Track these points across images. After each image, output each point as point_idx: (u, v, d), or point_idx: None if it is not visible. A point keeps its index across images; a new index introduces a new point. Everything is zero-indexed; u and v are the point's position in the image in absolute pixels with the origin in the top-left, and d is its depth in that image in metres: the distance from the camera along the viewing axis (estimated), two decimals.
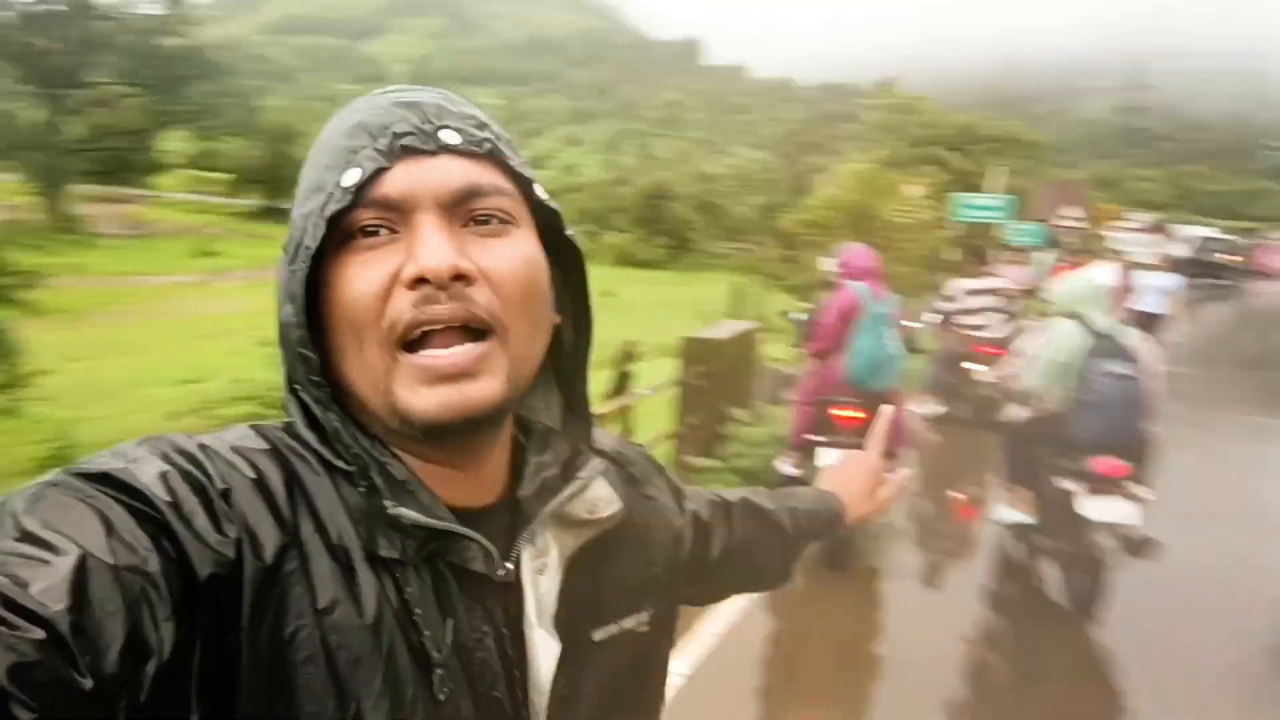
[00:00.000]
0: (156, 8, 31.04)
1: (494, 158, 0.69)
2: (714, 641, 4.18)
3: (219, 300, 17.96)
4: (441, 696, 0.66)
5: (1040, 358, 4.56)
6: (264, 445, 0.68)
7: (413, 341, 0.65)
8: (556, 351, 0.80)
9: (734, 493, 1.15)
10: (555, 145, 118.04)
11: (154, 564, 0.54)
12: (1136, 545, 4.28)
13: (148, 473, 0.60)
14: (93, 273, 20.58)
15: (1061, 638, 4.47)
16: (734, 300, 13.21)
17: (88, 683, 0.48)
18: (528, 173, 0.72)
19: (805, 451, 5.32)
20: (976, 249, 10.35)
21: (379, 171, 0.65)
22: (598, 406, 6.36)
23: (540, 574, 0.75)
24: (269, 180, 35.78)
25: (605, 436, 0.92)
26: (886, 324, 4.97)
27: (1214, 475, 7.73)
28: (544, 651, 0.72)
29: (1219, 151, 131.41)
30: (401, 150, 0.65)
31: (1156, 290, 11.32)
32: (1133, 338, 4.51)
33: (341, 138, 0.68)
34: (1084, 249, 13.60)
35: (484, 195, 0.67)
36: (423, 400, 0.64)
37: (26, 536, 0.52)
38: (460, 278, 0.64)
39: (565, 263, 0.77)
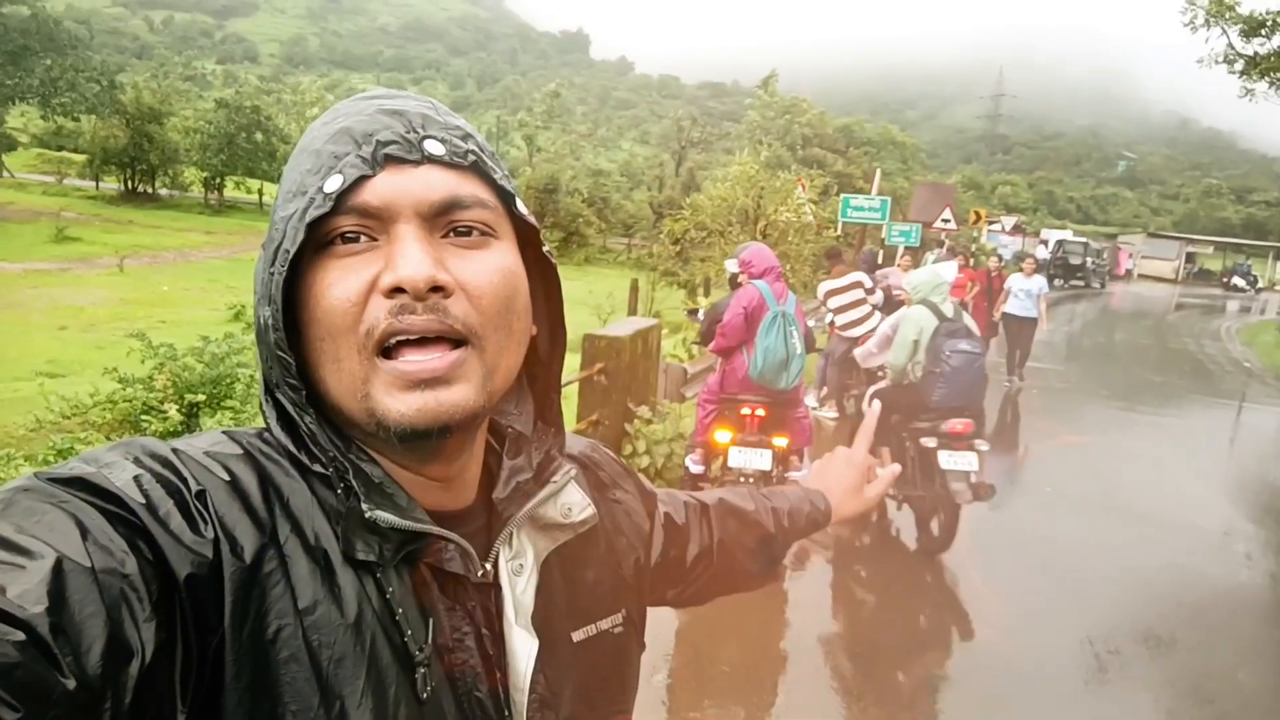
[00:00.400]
0: None
1: (477, 170, 0.70)
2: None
3: (81, 290, 16.83)
4: (424, 696, 0.67)
5: (900, 338, 5.51)
6: (237, 450, 0.68)
7: (389, 348, 0.65)
8: (532, 360, 0.81)
9: (712, 494, 1.17)
10: None
11: (131, 566, 0.54)
12: (979, 489, 5.26)
13: (121, 476, 0.59)
14: None
15: (915, 571, 5.52)
16: (634, 298, 13.25)
17: (70, 683, 0.48)
18: (510, 186, 0.72)
19: (710, 448, 5.41)
20: (832, 250, 10.90)
21: (361, 179, 0.65)
22: None
23: (517, 575, 0.76)
24: (130, 163, 33.73)
25: (576, 440, 0.96)
26: (790, 323, 5.08)
27: (1083, 462, 8.26)
28: (523, 650, 0.73)
29: (1078, 159, 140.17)
30: (385, 159, 0.66)
31: (1025, 293, 11.68)
32: (971, 321, 5.54)
33: (325, 142, 0.68)
34: (962, 250, 14.11)
35: (465, 207, 0.68)
36: (399, 405, 0.65)
37: (1, 543, 0.52)
38: (437, 289, 0.65)
39: (542, 275, 0.79)
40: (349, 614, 0.64)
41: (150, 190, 35.29)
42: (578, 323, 11.09)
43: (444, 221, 0.67)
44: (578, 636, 0.82)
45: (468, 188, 0.69)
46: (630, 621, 0.89)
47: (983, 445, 5.36)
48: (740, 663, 4.16)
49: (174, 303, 16.03)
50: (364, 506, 0.66)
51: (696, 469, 5.57)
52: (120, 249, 21.54)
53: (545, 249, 0.76)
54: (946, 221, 22.39)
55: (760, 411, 5.14)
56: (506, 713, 0.72)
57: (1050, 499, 7.10)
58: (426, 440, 0.66)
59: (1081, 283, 36.25)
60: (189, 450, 0.66)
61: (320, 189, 0.65)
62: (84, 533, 0.54)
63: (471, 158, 0.69)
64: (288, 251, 0.64)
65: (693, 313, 6.86)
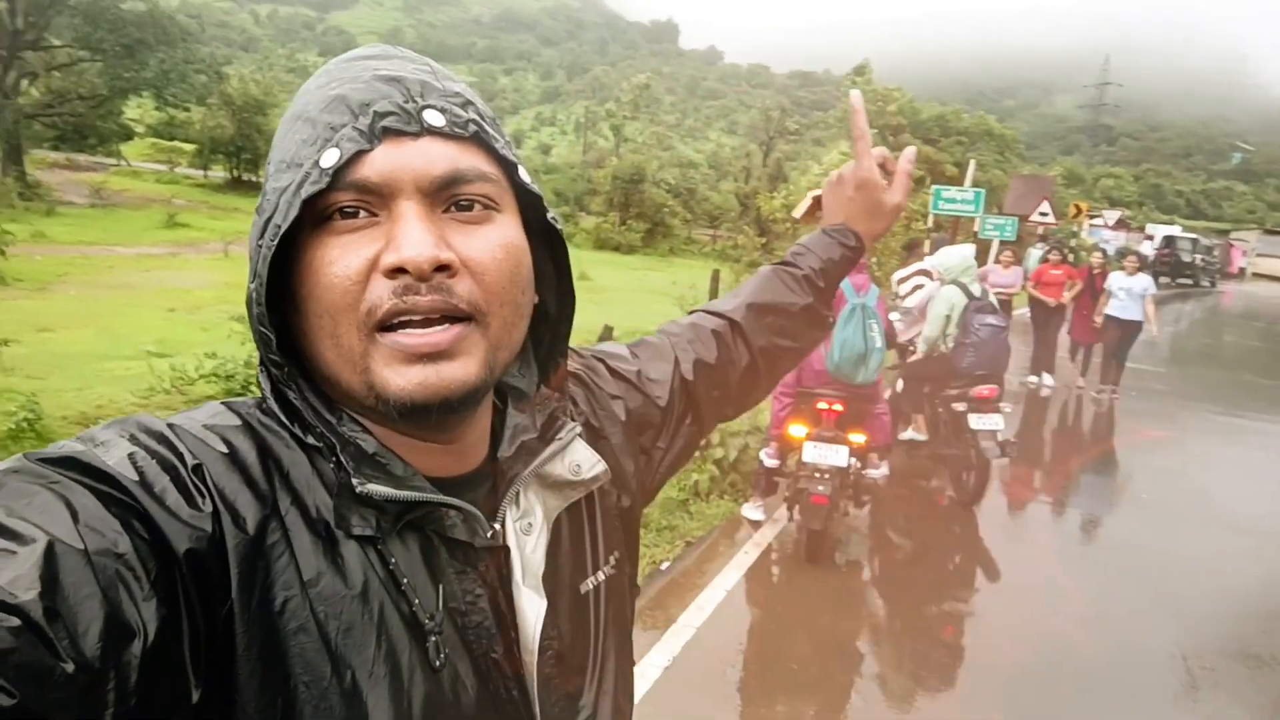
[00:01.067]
0: None
1: (478, 140, 0.68)
2: (691, 633, 4.20)
3: (187, 273, 17.61)
4: (437, 663, 0.66)
5: (933, 314, 6.33)
6: (236, 421, 0.68)
7: (390, 323, 0.64)
8: (538, 324, 0.80)
9: (737, 300, 1.16)
10: (529, 124, 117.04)
11: (125, 545, 0.54)
12: (1005, 446, 6.07)
13: (114, 455, 0.59)
14: (56, 242, 20.08)
15: (948, 524, 6.17)
16: (715, 286, 13.18)
17: (69, 666, 0.48)
18: (511, 155, 0.70)
19: (785, 443, 5.35)
20: (912, 242, 10.55)
21: (360, 153, 0.63)
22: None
23: (526, 534, 0.76)
24: (236, 152, 35.12)
25: (571, 356, 0.93)
26: (869, 316, 4.98)
27: (1184, 473, 7.89)
28: (531, 612, 0.73)
29: (1188, 150, 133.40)
30: (383, 132, 0.64)
31: (1127, 293, 10.53)
32: (995, 300, 6.60)
33: (321, 111, 0.66)
34: (1056, 244, 13.40)
35: (467, 181, 0.66)
36: (400, 379, 0.64)
37: None
38: (442, 268, 0.63)
39: (548, 242, 0.77)
40: (354, 584, 0.64)
41: (255, 179, 36.65)
42: (660, 313, 11.09)
43: (445, 196, 0.66)
44: (584, 588, 0.82)
45: (469, 160, 0.67)
46: (624, 556, 0.89)
47: (1007, 408, 6.21)
48: (810, 659, 4.12)
49: None
50: (355, 481, 0.65)
51: (771, 463, 5.51)
52: (226, 235, 22.42)
53: (550, 215, 0.74)
54: (1044, 215, 21.61)
55: (838, 406, 5.06)
56: (524, 672, 0.73)
57: (1144, 507, 6.81)
58: (427, 415, 0.65)
59: (1190, 281, 34.54)
60: (187, 424, 0.65)
61: (316, 163, 0.63)
62: (75, 514, 0.53)
63: (473, 128, 0.67)
64: (279, 226, 0.63)
65: None
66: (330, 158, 0.63)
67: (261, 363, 0.69)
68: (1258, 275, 44.33)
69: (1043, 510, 6.69)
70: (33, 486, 0.54)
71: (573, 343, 0.87)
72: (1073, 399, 10.84)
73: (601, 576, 0.85)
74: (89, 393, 9.02)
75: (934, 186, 18.21)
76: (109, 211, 25.89)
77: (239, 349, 6.87)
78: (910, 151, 1.19)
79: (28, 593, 0.48)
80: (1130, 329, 10.54)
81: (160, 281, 16.30)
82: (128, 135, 39.31)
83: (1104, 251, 13.72)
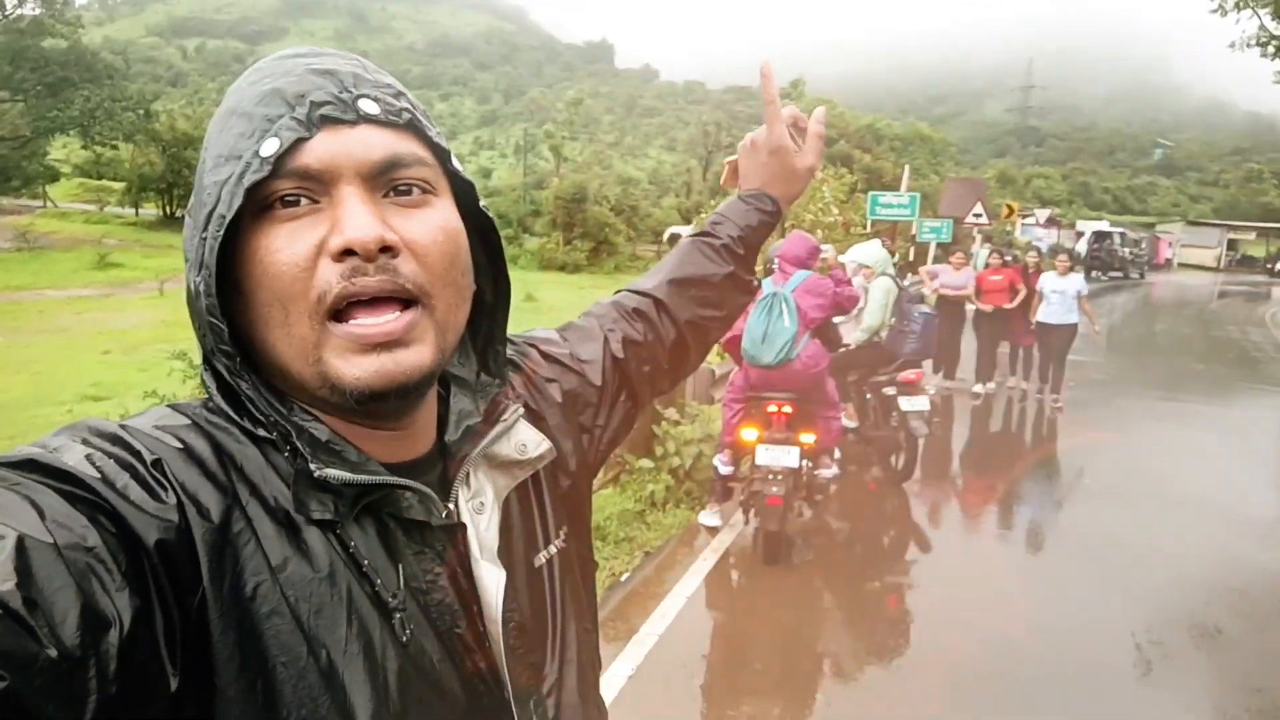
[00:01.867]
0: (31, 8, 29.46)
1: (412, 128, 0.70)
2: (654, 640, 4.20)
3: (122, 314, 17.19)
4: (404, 639, 0.68)
5: (874, 304, 6.66)
6: (185, 421, 0.69)
7: (340, 311, 0.65)
8: (475, 313, 0.81)
9: (658, 277, 1.18)
10: (468, 149, 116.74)
11: (94, 539, 0.54)
12: (932, 424, 6.61)
13: (72, 456, 0.59)
14: None
15: (889, 508, 6.52)
16: None
17: (52, 652, 0.48)
18: (444, 143, 0.73)
19: (738, 448, 5.39)
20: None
21: (299, 141, 0.64)
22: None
23: (479, 513, 0.78)
24: (168, 188, 34.41)
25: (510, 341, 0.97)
26: (782, 302, 5.08)
27: (1125, 455, 8.12)
28: (492, 583, 0.75)
29: (1113, 148, 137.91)
30: (321, 120, 0.65)
31: (1060, 296, 9.98)
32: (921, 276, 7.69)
33: (256, 105, 0.66)
34: (999, 246, 13.67)
35: (405, 166, 0.68)
36: (355, 369, 0.65)
37: None
38: (386, 249, 0.65)
39: (480, 230, 0.79)
40: (321, 568, 0.65)
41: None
42: None
43: (384, 181, 0.67)
44: (538, 561, 0.85)
45: (406, 146, 0.68)
46: (574, 535, 0.91)
47: (931, 389, 6.78)
48: (773, 659, 4.14)
49: None
50: (312, 466, 0.67)
51: (726, 469, 5.55)
52: (160, 272, 21.94)
53: (482, 204, 0.77)
54: (979, 216, 22.13)
55: (787, 409, 5.12)
56: (488, 645, 0.74)
57: (1088, 489, 6.98)
58: (384, 403, 0.67)
59: (1120, 274, 35.61)
60: (138, 425, 0.66)
61: (256, 153, 0.64)
62: (41, 512, 0.54)
63: (406, 115, 0.69)
64: (223, 216, 0.64)
65: None
66: (270, 147, 0.64)
67: (205, 360, 0.70)
68: (1184, 265, 45.93)
69: (986, 497, 6.82)
70: None
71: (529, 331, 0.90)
72: (1015, 401, 10.60)
73: (553, 550, 0.87)
74: (23, 440, 8.74)
75: (870, 193, 18.57)
76: (37, 254, 25.17)
77: (180, 386, 6.70)
78: (820, 112, 1.21)
79: (4, 583, 0.49)
80: (1065, 333, 10.09)
81: (95, 323, 15.88)
82: (54, 176, 38.34)
83: (1038, 250, 13.33)
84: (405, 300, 0.67)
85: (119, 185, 38.02)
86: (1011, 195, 48.80)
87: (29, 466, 0.58)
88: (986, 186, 28.32)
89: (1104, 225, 41.18)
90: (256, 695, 0.61)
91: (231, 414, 0.69)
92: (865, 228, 17.53)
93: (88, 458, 0.60)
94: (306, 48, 0.73)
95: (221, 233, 0.63)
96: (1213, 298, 29.65)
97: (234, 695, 0.60)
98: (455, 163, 0.74)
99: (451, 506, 0.76)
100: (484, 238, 0.80)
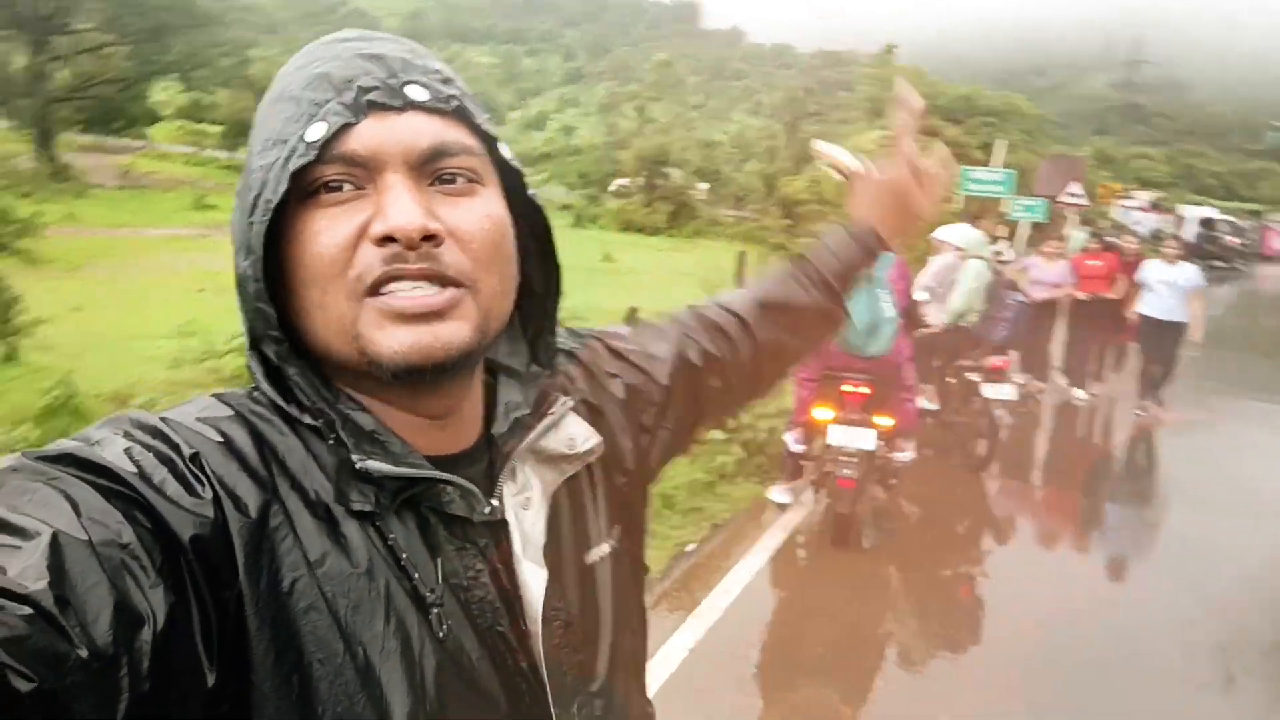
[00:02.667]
0: None
1: (460, 115, 0.69)
2: (717, 615, 4.20)
3: (217, 255, 17.74)
4: (441, 634, 0.67)
5: (964, 288, 6.53)
6: (228, 412, 0.69)
7: (379, 289, 0.65)
8: (525, 303, 0.81)
9: (749, 297, 1.13)
10: (553, 106, 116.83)
11: (129, 535, 0.54)
12: (1017, 410, 6.63)
13: (111, 450, 0.60)
14: (88, 223, 20.33)
15: (969, 496, 6.35)
16: (740, 268, 13.08)
17: (83, 652, 0.48)
18: (492, 131, 0.72)
19: (811, 427, 5.33)
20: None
21: (346, 126, 0.64)
22: None
23: (525, 509, 0.76)
24: None
25: (565, 335, 0.94)
26: (879, 287, 4.90)
27: (1219, 461, 7.79)
28: (533, 583, 0.74)
29: (1223, 130, 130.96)
30: (368, 106, 0.65)
31: (1168, 287, 8.45)
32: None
33: (303, 89, 0.66)
34: (1102, 231, 12.90)
35: (451, 155, 0.67)
36: (392, 340, 0.65)
37: None
38: (429, 238, 0.64)
39: (530, 219, 0.78)
40: (359, 562, 0.65)
41: None
42: (686, 295, 11.03)
43: (431, 169, 0.67)
44: (590, 559, 0.83)
45: (453, 134, 0.68)
46: (627, 534, 0.90)
47: (1018, 378, 6.62)
48: (835, 643, 4.11)
49: None
50: (354, 457, 0.67)
51: (797, 447, 5.49)
52: None
53: (530, 192, 0.76)
54: (1075, 196, 21.25)
55: (863, 389, 5.01)
56: (529, 644, 0.73)
57: (1177, 495, 6.73)
58: (421, 377, 0.66)
59: (1225, 264, 33.95)
60: (179, 418, 0.66)
61: (302, 137, 0.64)
62: (76, 508, 0.54)
63: (455, 102, 0.69)
64: (269, 201, 0.64)
65: None
66: (316, 131, 0.64)
67: (251, 347, 0.70)
68: None
69: (1066, 492, 6.63)
70: (33, 483, 0.55)
71: (600, 325, 0.88)
72: (1106, 405, 9.43)
73: (606, 549, 0.86)
74: (121, 371, 9.13)
75: (962, 168, 17.98)
76: (138, 193, 26.17)
77: None
78: (944, 153, 1.14)
79: (37, 583, 0.49)
80: (1172, 332, 8.46)
81: (190, 263, 16.45)
82: (155, 118, 39.64)
83: (1135, 234, 12.00)
84: (449, 284, 0.66)
85: (217, 129, 39.21)
86: (1111, 175, 46.79)
87: (67, 461, 0.58)
88: (1086, 164, 27.18)
89: (1210, 211, 39.19)
90: (292, 691, 0.61)
91: (278, 401, 0.69)
92: (955, 203, 17.01)
93: (126, 451, 0.60)
94: (357, 32, 0.73)
95: (268, 217, 0.64)
96: None
97: (269, 691, 0.60)
98: (504, 150, 0.73)
99: (495, 502, 0.75)
100: (534, 225, 0.79)
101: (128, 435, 0.62)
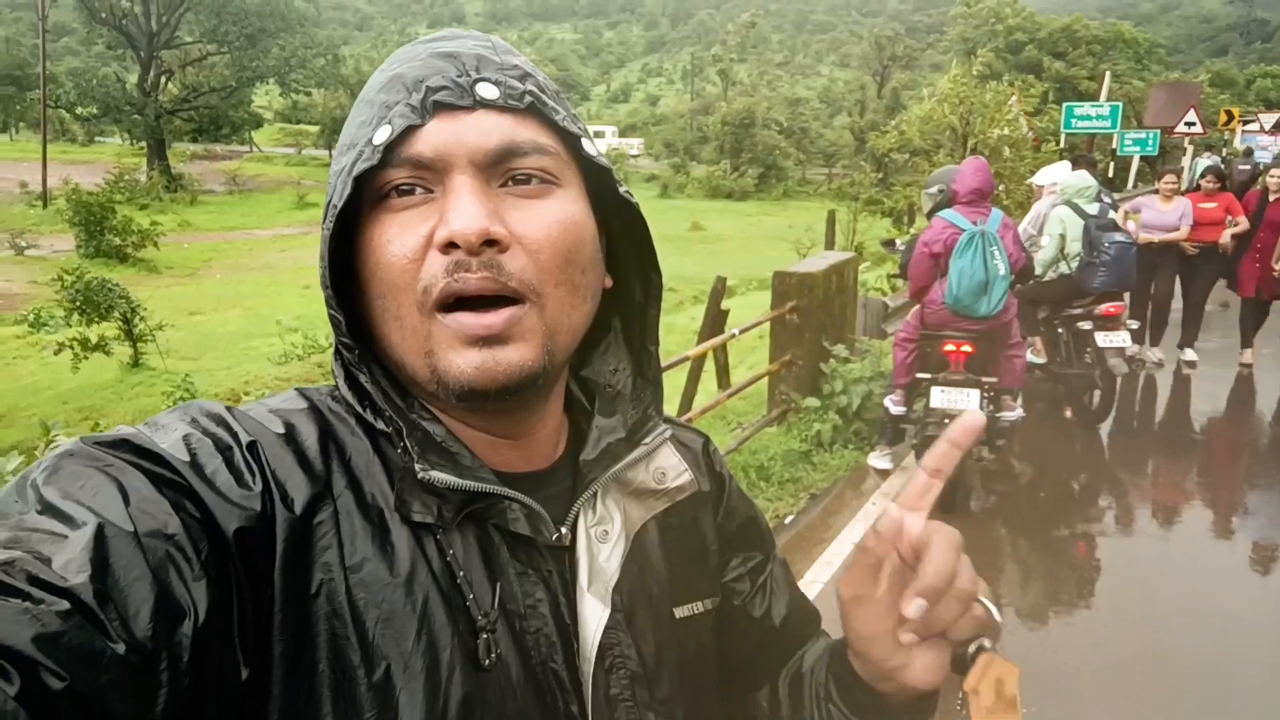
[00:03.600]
0: None
1: (535, 112, 0.66)
2: (818, 589, 4.12)
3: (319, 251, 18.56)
4: (486, 663, 0.63)
5: (1050, 235, 6.24)
6: (303, 405, 0.69)
7: (448, 304, 0.63)
8: (626, 312, 0.77)
9: (788, 609, 0.89)
10: (635, 77, 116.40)
11: (175, 526, 0.54)
12: (1133, 362, 6.20)
13: (169, 438, 0.60)
14: (200, 229, 21.42)
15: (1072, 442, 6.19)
16: (831, 228, 12.77)
17: (120, 648, 0.48)
18: (573, 127, 0.68)
19: (911, 389, 5.16)
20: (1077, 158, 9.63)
21: (412, 128, 0.62)
22: (693, 346, 6.30)
23: (601, 541, 0.72)
24: None
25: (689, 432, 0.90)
26: (990, 243, 4.65)
27: None
28: (592, 618, 0.69)
29: None
30: (434, 106, 0.63)
31: None
32: (1118, 215, 6.58)
33: (378, 92, 0.66)
34: (1216, 163, 11.76)
35: (523, 154, 0.64)
36: (460, 362, 0.63)
37: (47, 508, 0.53)
38: (492, 243, 0.61)
39: (627, 220, 0.73)
40: (400, 572, 0.63)
41: None
42: (775, 259, 10.88)
43: (502, 170, 0.64)
44: (681, 613, 0.78)
45: (526, 133, 0.65)
46: (721, 604, 0.84)
47: (1133, 324, 6.29)
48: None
49: None
50: (417, 466, 0.64)
51: (897, 410, 5.32)
52: None
53: (623, 190, 0.71)
54: (1191, 125, 19.95)
55: (966, 348, 4.81)
56: (581, 685, 0.69)
57: None
58: (484, 400, 0.64)
59: None
60: (253, 408, 0.67)
61: (369, 140, 0.63)
62: (126, 497, 0.54)
63: (528, 99, 0.65)
64: (335, 206, 0.63)
65: (889, 244, 6.54)
66: (382, 134, 0.62)
67: (335, 348, 0.69)
68: None
69: (1187, 450, 6.25)
70: (87, 469, 0.55)
71: (688, 293, 0.78)
72: (1241, 384, 7.62)
73: (708, 605, 0.81)
74: (238, 370, 9.61)
75: (1065, 104, 17.09)
76: (246, 197, 27.37)
77: None
78: (918, 606, 0.63)
79: (78, 576, 0.49)
80: None
81: (296, 260, 17.13)
82: (258, 122, 41.36)
83: (1254, 164, 9.87)
84: (510, 299, 0.63)
85: (314, 129, 40.60)
86: (1231, 100, 43.64)
87: (123, 447, 0.58)
88: (1201, 90, 25.44)
89: None
90: (301, 699, 0.59)
91: (354, 403, 0.68)
92: (1059, 143, 16.21)
93: (185, 439, 0.60)
94: (447, 31, 0.71)
95: (333, 223, 0.63)
96: None
97: (278, 694, 0.58)
98: (589, 147, 0.69)
99: (564, 530, 0.71)
100: (629, 227, 0.74)
101: (193, 423, 0.62)
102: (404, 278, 0.62)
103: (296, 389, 0.72)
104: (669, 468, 0.76)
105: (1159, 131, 19.01)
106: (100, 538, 0.51)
